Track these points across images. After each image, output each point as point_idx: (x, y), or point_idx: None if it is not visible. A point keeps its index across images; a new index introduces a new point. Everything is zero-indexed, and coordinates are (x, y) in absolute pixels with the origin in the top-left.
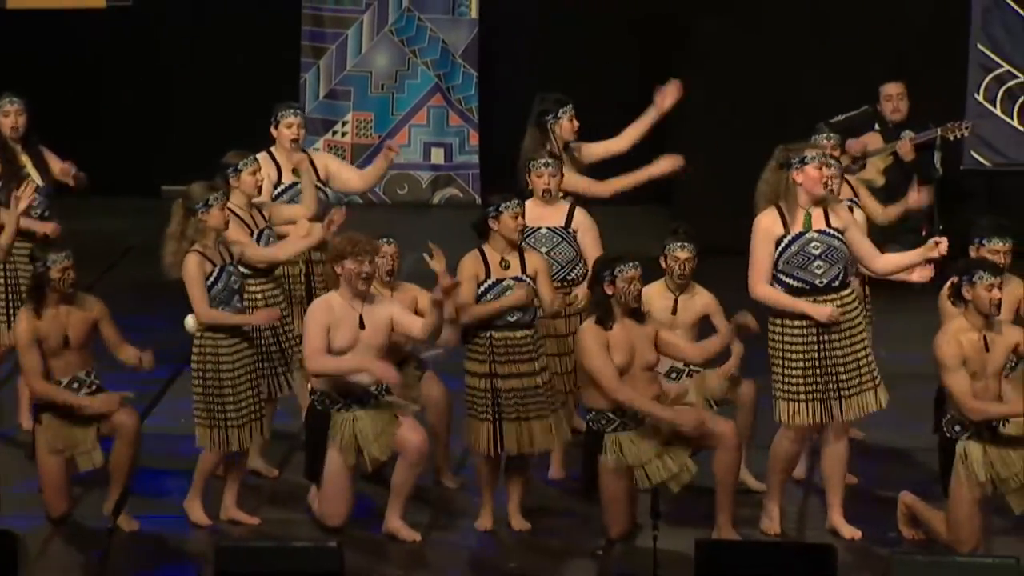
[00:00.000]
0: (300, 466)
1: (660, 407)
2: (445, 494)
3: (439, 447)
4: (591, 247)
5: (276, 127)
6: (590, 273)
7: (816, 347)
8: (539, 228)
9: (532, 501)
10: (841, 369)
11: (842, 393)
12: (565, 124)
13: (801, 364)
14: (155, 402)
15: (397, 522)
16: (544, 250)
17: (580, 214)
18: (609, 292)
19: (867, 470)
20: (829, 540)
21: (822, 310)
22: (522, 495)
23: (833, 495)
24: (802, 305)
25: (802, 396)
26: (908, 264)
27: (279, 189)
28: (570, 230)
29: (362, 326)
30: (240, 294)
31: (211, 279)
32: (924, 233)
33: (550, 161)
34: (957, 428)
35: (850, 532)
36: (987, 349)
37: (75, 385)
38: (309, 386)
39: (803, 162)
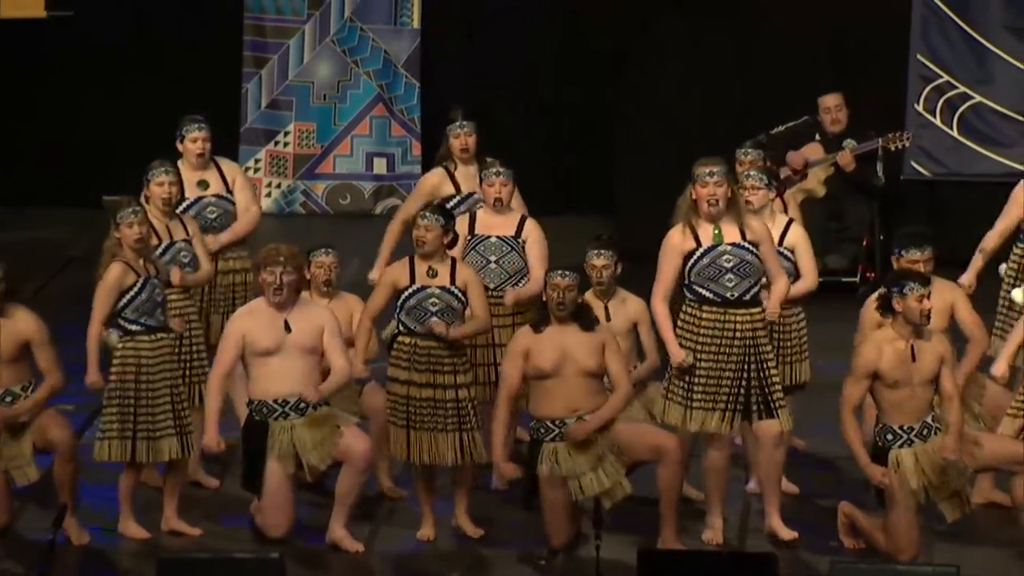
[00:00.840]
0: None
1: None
2: (388, 504)
3: (381, 457)
4: (536, 259)
5: (182, 141)
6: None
7: (715, 359)
8: (489, 237)
9: (475, 511)
10: (767, 381)
11: (736, 406)
12: (452, 141)
13: (702, 373)
14: (96, 414)
15: (341, 531)
16: (493, 259)
17: (531, 225)
18: (544, 297)
19: (807, 479)
20: (771, 549)
21: (678, 355)
22: (468, 502)
23: (770, 500)
24: (670, 338)
25: (695, 403)
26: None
27: (184, 204)
28: (520, 240)
29: (288, 329)
30: (163, 307)
31: (134, 291)
32: (865, 243)
33: (502, 170)
34: (889, 437)
35: (788, 534)
36: (914, 359)
37: (8, 399)
38: (247, 396)
39: (694, 179)
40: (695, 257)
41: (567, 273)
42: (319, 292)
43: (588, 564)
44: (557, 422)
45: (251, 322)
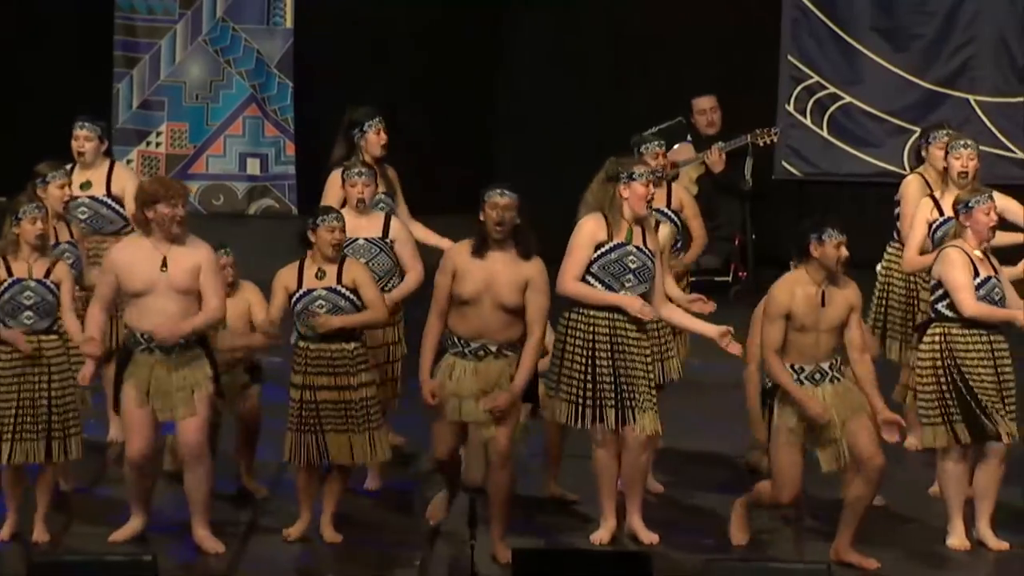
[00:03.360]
0: (115, 478)
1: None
2: (262, 503)
3: (245, 457)
4: (409, 258)
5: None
6: None
7: (593, 352)
8: (356, 239)
9: (350, 511)
10: (642, 382)
11: (626, 404)
12: (371, 137)
13: (580, 366)
14: None
15: (201, 532)
16: (362, 261)
17: (397, 224)
18: (481, 218)
19: (679, 477)
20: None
21: (633, 302)
22: (336, 507)
23: (632, 502)
24: (612, 298)
25: (573, 397)
26: (677, 323)
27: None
28: (387, 240)
29: (164, 268)
30: (37, 310)
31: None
32: (736, 242)
33: (363, 171)
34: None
35: (647, 537)
36: (823, 304)
37: None
38: (124, 321)
39: (631, 177)
40: (604, 250)
41: (506, 192)
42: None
43: (464, 563)
44: (462, 341)
45: (129, 258)
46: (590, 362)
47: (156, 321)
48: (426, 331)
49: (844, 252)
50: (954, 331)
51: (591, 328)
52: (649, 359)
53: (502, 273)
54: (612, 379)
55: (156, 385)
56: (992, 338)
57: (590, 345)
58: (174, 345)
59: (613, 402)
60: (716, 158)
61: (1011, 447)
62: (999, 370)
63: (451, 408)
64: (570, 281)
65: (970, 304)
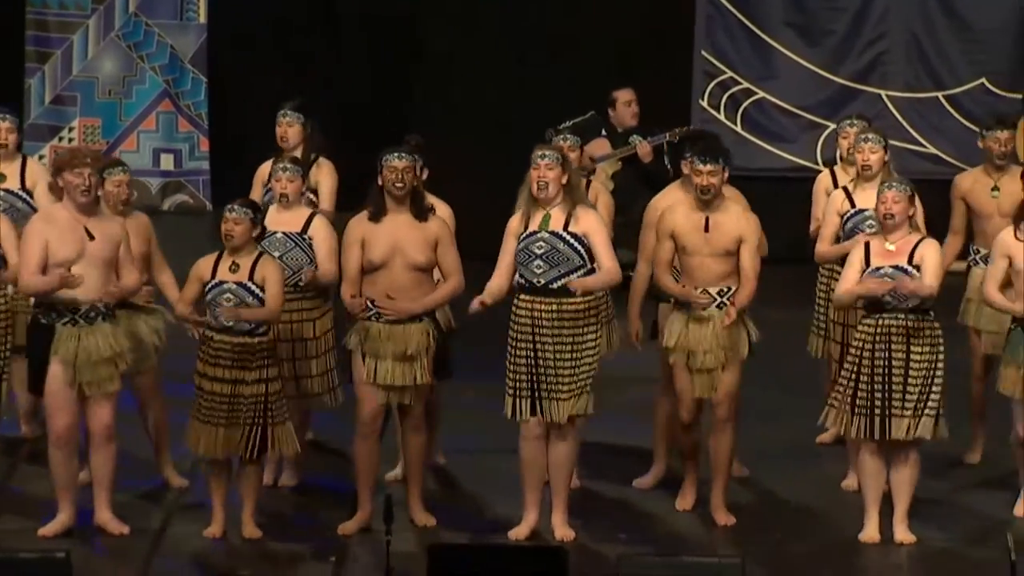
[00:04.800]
0: (28, 476)
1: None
2: (179, 498)
3: (162, 448)
4: (325, 257)
5: None
6: None
7: (528, 344)
8: (275, 232)
9: (265, 507)
10: (552, 371)
11: (541, 394)
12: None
13: (513, 359)
14: None
15: (105, 515)
16: (277, 254)
17: (318, 222)
18: (379, 183)
19: (594, 472)
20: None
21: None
22: (254, 503)
23: (556, 496)
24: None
25: (510, 390)
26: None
27: None
28: (305, 236)
29: (91, 237)
30: None
31: None
32: None
33: (288, 166)
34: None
35: (561, 533)
36: (707, 230)
37: None
38: (32, 300)
39: (531, 162)
40: (520, 240)
41: (403, 155)
42: (114, 211)
43: (380, 558)
44: (376, 304)
45: (51, 229)
46: (514, 354)
47: (80, 292)
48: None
49: (705, 181)
50: (866, 321)
51: (517, 320)
52: (574, 345)
53: (408, 234)
54: (528, 370)
55: (84, 355)
56: (891, 328)
57: (515, 337)
58: (97, 316)
59: (528, 393)
60: (646, 150)
61: (921, 442)
62: (901, 360)
63: (367, 370)
64: (492, 278)
65: (837, 290)
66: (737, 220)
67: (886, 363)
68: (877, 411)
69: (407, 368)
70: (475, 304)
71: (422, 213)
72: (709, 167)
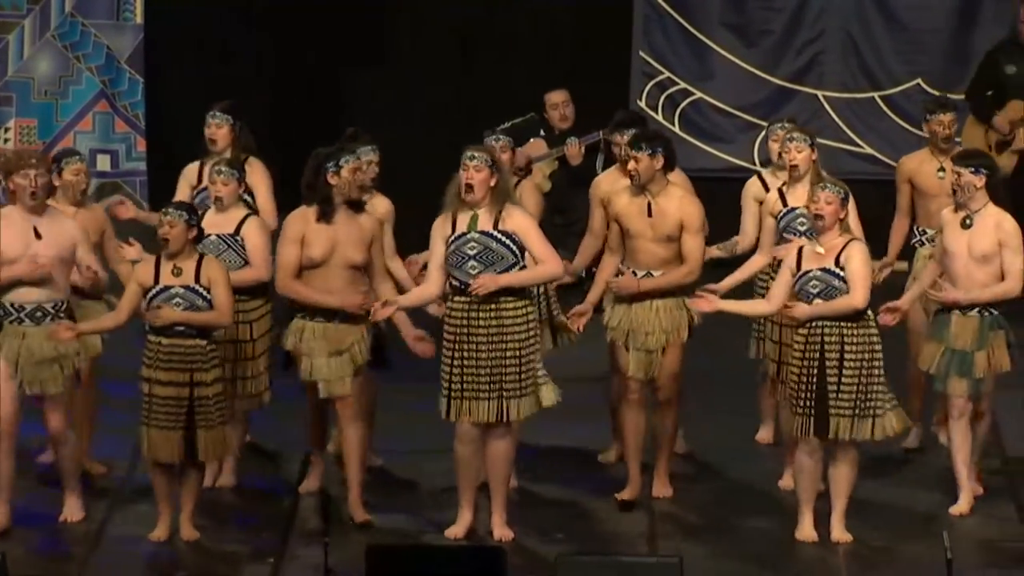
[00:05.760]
0: None
1: (324, 295)
2: (116, 500)
3: (83, 441)
4: (257, 258)
5: None
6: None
7: (463, 345)
8: (209, 235)
9: (208, 509)
10: (483, 372)
11: (465, 394)
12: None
13: (449, 360)
14: None
15: (73, 501)
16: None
17: (251, 224)
18: (333, 182)
19: (534, 472)
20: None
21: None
22: (194, 504)
23: (494, 496)
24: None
25: (444, 391)
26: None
27: None
28: (238, 238)
29: (38, 236)
30: None
31: None
32: None
33: (223, 169)
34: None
35: (500, 533)
36: (650, 214)
37: None
38: None
39: (460, 164)
40: (447, 244)
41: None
42: (70, 200)
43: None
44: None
45: (2, 228)
46: (450, 356)
47: (28, 292)
48: (294, 287)
49: (632, 166)
50: (800, 331)
51: (451, 321)
52: (514, 344)
53: (346, 233)
54: (460, 370)
55: (26, 357)
56: (824, 331)
57: (451, 339)
58: (44, 316)
59: (458, 392)
60: (575, 151)
61: (858, 443)
62: (835, 362)
63: (303, 369)
64: (424, 282)
65: (767, 299)
66: (680, 205)
67: (819, 365)
68: (814, 411)
69: (342, 361)
70: (433, 307)
71: (357, 206)
72: (635, 153)
